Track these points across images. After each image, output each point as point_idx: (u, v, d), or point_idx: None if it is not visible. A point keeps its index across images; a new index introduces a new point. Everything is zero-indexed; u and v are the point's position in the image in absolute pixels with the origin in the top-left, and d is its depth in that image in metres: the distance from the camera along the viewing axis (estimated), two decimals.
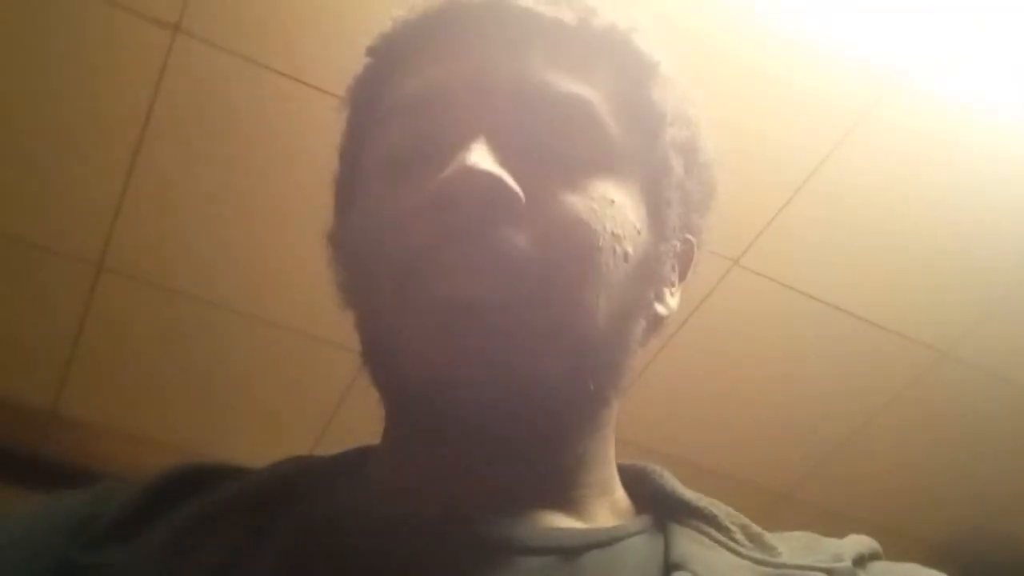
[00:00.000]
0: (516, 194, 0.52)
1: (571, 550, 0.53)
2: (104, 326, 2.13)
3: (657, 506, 0.60)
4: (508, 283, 0.51)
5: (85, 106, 1.75)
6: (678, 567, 0.52)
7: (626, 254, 0.55)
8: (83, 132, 1.79)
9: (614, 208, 0.55)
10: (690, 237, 0.64)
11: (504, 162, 0.52)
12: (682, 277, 0.64)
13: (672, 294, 0.62)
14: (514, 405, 0.52)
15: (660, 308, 0.61)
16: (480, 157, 0.51)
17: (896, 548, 2.34)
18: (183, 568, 0.52)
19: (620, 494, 0.61)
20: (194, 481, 0.59)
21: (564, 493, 0.57)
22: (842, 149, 1.79)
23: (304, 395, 2.25)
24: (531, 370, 0.52)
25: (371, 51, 0.63)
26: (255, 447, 2.34)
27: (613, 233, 0.55)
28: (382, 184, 0.57)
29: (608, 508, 0.59)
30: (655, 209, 0.59)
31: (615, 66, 0.59)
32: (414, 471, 0.56)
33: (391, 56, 0.61)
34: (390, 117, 0.58)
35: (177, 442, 2.35)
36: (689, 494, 0.60)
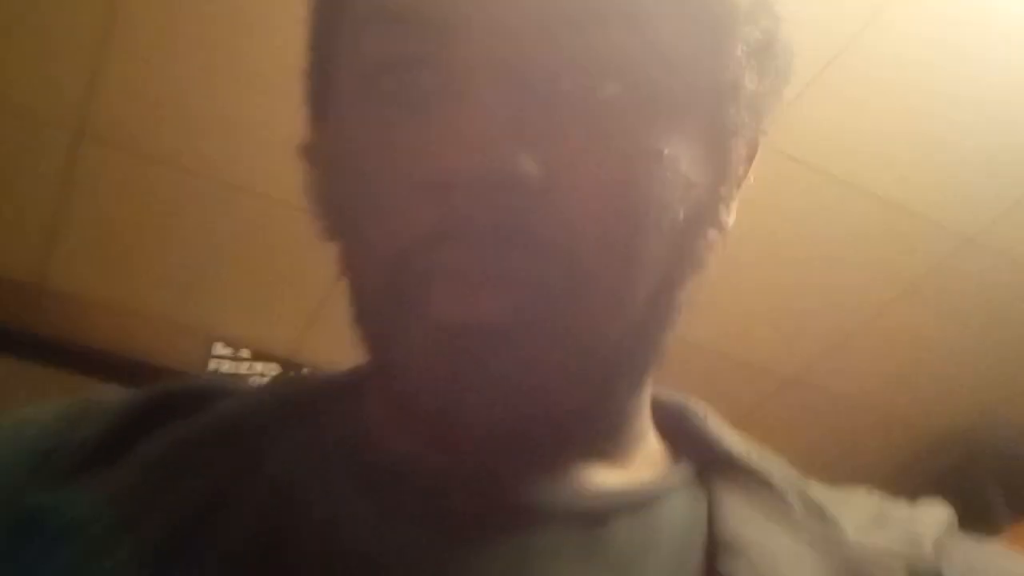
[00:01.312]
0: (532, 180, 0.40)
1: (598, 516, 0.45)
2: (87, 197, 2.06)
3: (698, 452, 0.51)
4: (524, 301, 0.41)
5: None
6: (728, 548, 0.45)
7: (674, 220, 0.44)
8: None
9: (662, 164, 0.43)
10: (758, 140, 0.51)
11: (521, 122, 0.40)
12: (739, 187, 0.51)
13: (730, 209, 0.50)
14: (539, 420, 0.43)
15: (715, 236, 0.49)
16: (490, 129, 0.39)
17: (907, 436, 2.33)
18: (155, 509, 0.45)
19: (654, 437, 0.53)
20: (176, 404, 0.51)
21: (596, 445, 0.48)
22: (869, 29, 1.71)
23: (297, 267, 2.18)
24: (557, 390, 0.43)
25: None
26: (247, 318, 2.31)
27: (660, 201, 0.43)
28: (363, 105, 0.45)
29: (643, 454, 0.51)
30: (718, 143, 0.46)
31: None
32: (418, 429, 0.47)
33: None
34: (368, 23, 0.44)
35: (167, 314, 2.31)
36: (736, 445, 0.51)
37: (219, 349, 2.36)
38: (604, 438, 0.49)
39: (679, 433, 0.53)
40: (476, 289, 0.41)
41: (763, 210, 2.00)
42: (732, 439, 0.52)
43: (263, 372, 2.36)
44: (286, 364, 2.37)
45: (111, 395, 0.54)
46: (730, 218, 0.50)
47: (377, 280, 0.44)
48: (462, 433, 0.44)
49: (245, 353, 2.36)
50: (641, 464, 0.50)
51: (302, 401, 0.52)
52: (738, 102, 0.47)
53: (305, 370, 2.36)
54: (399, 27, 0.43)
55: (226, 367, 2.34)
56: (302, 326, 2.28)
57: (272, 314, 2.25)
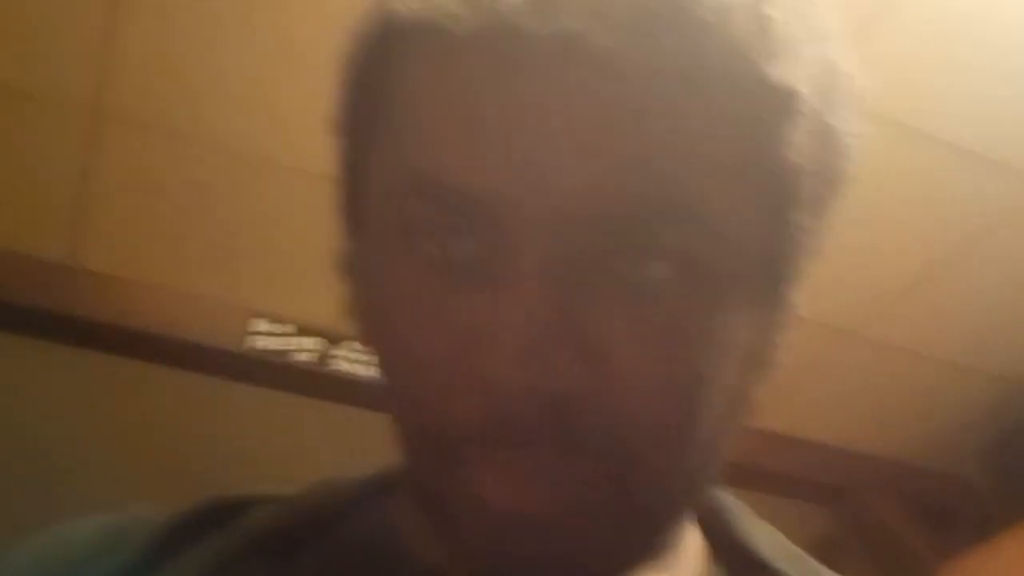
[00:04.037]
0: (578, 389, 0.38)
1: None
2: (111, 175, 2.00)
3: (732, 553, 0.53)
4: (574, 494, 0.40)
5: None
6: None
7: (728, 388, 0.42)
8: None
9: (717, 346, 0.41)
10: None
11: (569, 320, 0.38)
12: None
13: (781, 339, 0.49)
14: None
15: (777, 357, 0.49)
16: (533, 331, 0.37)
17: (972, 386, 2.22)
18: None
19: (696, 535, 0.53)
20: (217, 516, 0.55)
21: (640, 558, 0.47)
22: None
23: (334, 239, 2.12)
24: (606, 561, 0.43)
25: (371, 37, 0.44)
26: (287, 293, 2.26)
27: (714, 382, 0.41)
28: (402, 260, 0.42)
29: (685, 555, 0.51)
30: (774, 300, 0.45)
31: (737, 115, 0.40)
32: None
33: (393, 58, 0.43)
34: (409, 194, 0.41)
35: (203, 291, 2.26)
36: (766, 547, 0.53)
37: (260, 325, 2.31)
38: (649, 552, 0.48)
39: (716, 530, 0.54)
40: (525, 484, 0.40)
41: None
42: (765, 540, 0.53)
43: (304, 347, 2.31)
44: (330, 337, 2.32)
45: (149, 513, 0.57)
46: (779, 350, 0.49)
47: (422, 444, 0.43)
48: None
49: (289, 328, 2.32)
50: (684, 565, 0.50)
51: (334, 507, 0.54)
52: (797, 258, 0.46)
53: (349, 343, 2.32)
54: (443, 204, 0.40)
55: (269, 343, 2.30)
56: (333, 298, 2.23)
57: (312, 287, 2.20)
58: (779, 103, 0.41)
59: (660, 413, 0.40)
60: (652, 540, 0.45)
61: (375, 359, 0.45)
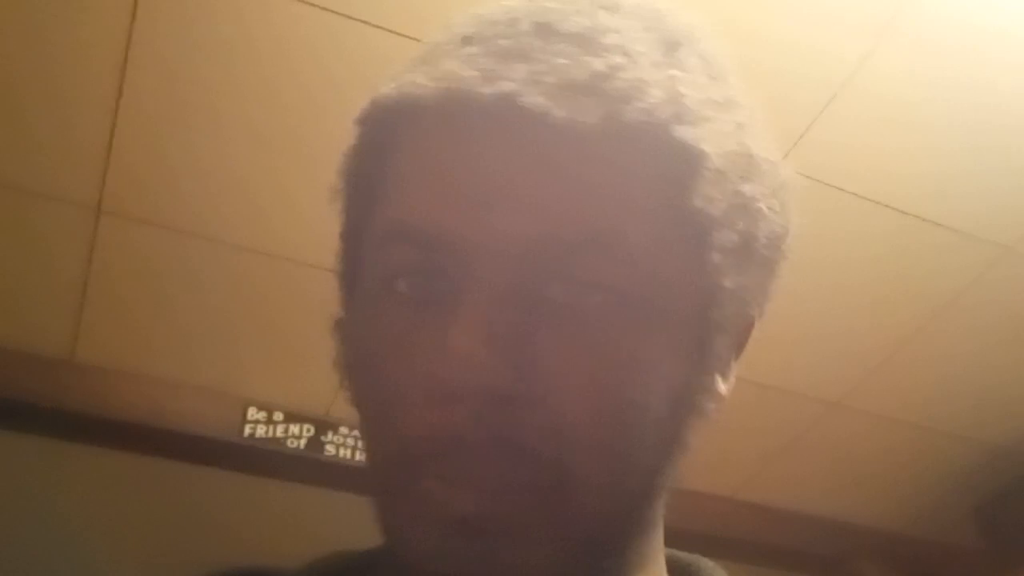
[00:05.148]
0: (519, 395, 0.44)
1: None
2: (110, 270, 2.06)
3: None
4: (515, 503, 0.45)
5: (62, 41, 1.65)
6: None
7: (659, 417, 0.48)
8: (64, 70, 1.69)
9: (645, 369, 0.47)
10: (757, 310, 0.55)
11: (505, 334, 0.44)
12: (740, 353, 0.55)
13: (725, 379, 0.54)
14: None
15: (710, 406, 0.52)
16: (471, 342, 0.43)
17: (952, 451, 2.25)
18: None
19: None
20: None
21: None
22: (885, 44, 1.70)
23: (325, 327, 2.16)
24: (549, 562, 0.46)
25: (362, 123, 0.53)
26: (278, 381, 2.29)
27: (644, 404, 0.47)
28: (380, 304, 0.50)
29: None
30: (701, 340, 0.50)
31: (651, 168, 0.47)
32: None
33: (380, 138, 0.52)
34: (387, 237, 0.49)
35: (198, 382, 2.29)
36: None
37: (252, 414, 2.34)
38: None
39: None
40: (470, 491, 0.45)
41: (794, 236, 1.96)
42: None
43: (297, 434, 2.34)
44: (320, 424, 2.35)
45: None
46: (725, 386, 0.53)
47: (384, 465, 0.48)
48: None
49: (279, 416, 2.35)
50: None
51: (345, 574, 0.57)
52: (719, 302, 0.50)
53: (342, 428, 2.34)
54: (414, 245, 0.48)
55: (260, 431, 2.33)
56: (334, 385, 2.25)
57: (303, 376, 2.23)
58: (687, 160, 0.47)
59: (593, 428, 0.45)
60: (593, 561, 0.48)
61: (353, 397, 0.51)
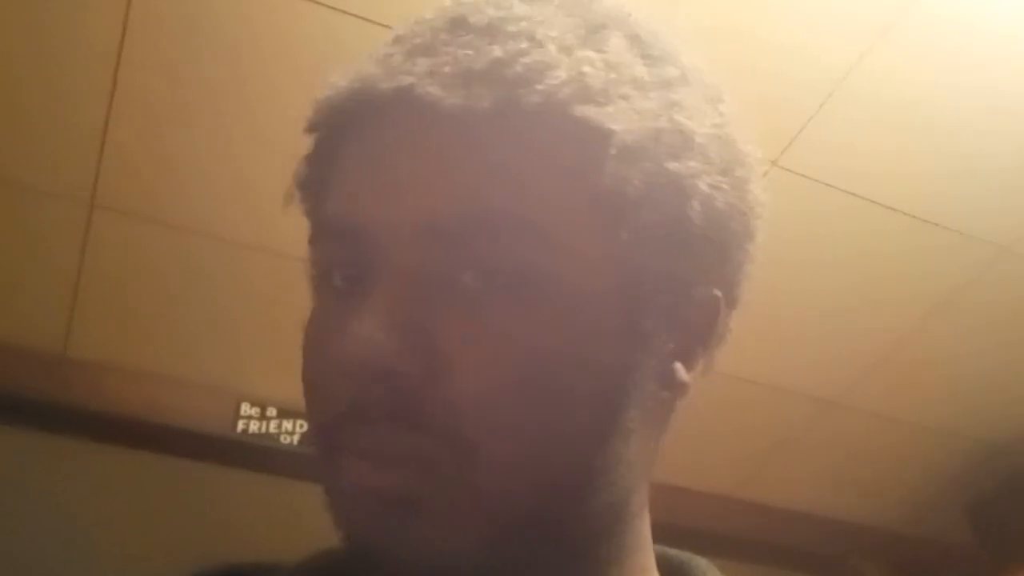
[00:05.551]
0: (411, 372, 0.46)
1: None
2: (104, 265, 2.06)
3: None
4: (417, 475, 0.46)
5: (56, 33, 1.64)
6: None
7: (581, 398, 0.48)
8: (58, 63, 1.68)
9: (551, 350, 0.47)
10: (715, 293, 0.53)
11: (407, 315, 0.46)
12: (705, 339, 0.53)
13: (690, 366, 0.53)
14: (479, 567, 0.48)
15: (663, 394, 0.52)
16: (370, 324, 0.45)
17: (947, 448, 2.26)
18: None
19: None
20: None
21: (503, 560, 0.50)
22: (881, 44, 1.70)
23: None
24: (471, 552, 0.47)
25: (309, 130, 0.55)
26: (271, 376, 2.29)
27: (553, 382, 0.47)
28: (322, 298, 0.53)
29: None
30: (627, 322, 0.49)
31: (553, 149, 0.48)
32: None
33: (321, 144, 0.55)
34: (323, 234, 0.53)
35: (192, 377, 2.29)
36: None
37: (246, 409, 2.34)
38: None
39: None
40: (376, 464, 0.46)
41: (791, 235, 1.96)
42: None
43: (290, 429, 2.34)
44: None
45: None
46: (688, 375, 0.52)
47: (314, 442, 0.51)
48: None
49: (272, 412, 2.34)
50: None
51: (332, 574, 0.57)
52: (639, 281, 0.49)
53: None
54: (338, 239, 0.51)
55: (254, 426, 2.32)
56: None
57: (296, 372, 2.23)
58: (592, 139, 0.47)
59: (494, 404, 0.46)
60: (531, 547, 0.49)
61: (303, 392, 0.53)
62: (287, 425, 2.34)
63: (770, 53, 1.70)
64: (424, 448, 0.46)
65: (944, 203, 1.99)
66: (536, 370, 0.46)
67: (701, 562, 0.59)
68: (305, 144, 0.56)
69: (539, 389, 0.46)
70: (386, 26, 1.62)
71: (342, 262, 0.50)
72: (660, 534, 0.57)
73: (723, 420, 2.14)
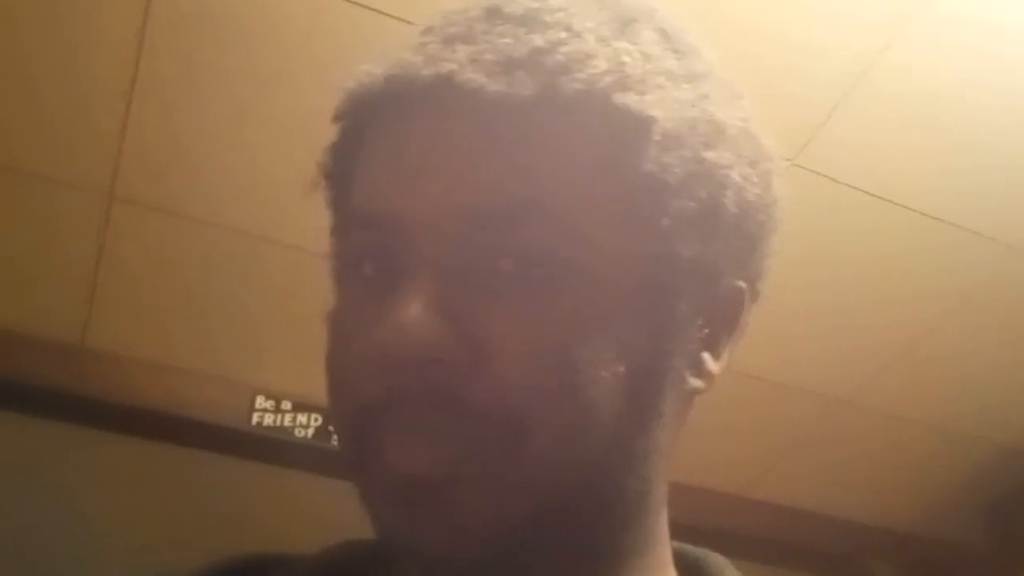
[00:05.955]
0: (455, 357, 0.46)
1: None
2: (122, 257, 2.06)
3: None
4: (462, 456, 0.46)
5: (76, 24, 1.65)
6: None
7: (617, 381, 0.48)
8: (77, 55, 1.69)
9: (589, 334, 0.47)
10: (740, 284, 0.54)
11: (447, 303, 0.46)
12: (731, 331, 0.54)
13: (716, 356, 0.53)
14: (506, 559, 0.48)
15: (694, 382, 0.52)
16: (412, 312, 0.46)
17: (962, 450, 2.25)
18: None
19: None
20: (244, 573, 0.60)
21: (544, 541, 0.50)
22: (899, 41, 1.69)
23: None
24: (509, 532, 0.47)
25: (335, 119, 0.55)
26: (287, 370, 2.30)
27: (591, 366, 0.47)
28: (350, 289, 0.53)
29: None
30: (660, 308, 0.50)
31: (594, 136, 0.48)
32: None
33: (348, 133, 0.55)
34: (352, 224, 0.53)
35: (208, 369, 2.30)
36: None
37: (260, 402, 2.35)
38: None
39: None
40: (418, 447, 0.46)
41: (807, 233, 1.96)
42: None
43: (305, 423, 2.35)
44: (328, 414, 2.35)
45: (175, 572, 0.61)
46: (715, 366, 0.53)
47: (345, 434, 0.50)
48: (431, 567, 0.49)
49: (287, 405, 2.35)
50: None
51: (351, 567, 0.58)
52: (674, 269, 0.49)
53: None
54: (371, 228, 0.50)
55: (268, 419, 2.33)
56: None
57: (312, 365, 2.24)
58: (633, 126, 0.48)
59: (537, 387, 0.46)
60: (564, 532, 0.49)
61: (327, 383, 0.52)
62: (302, 418, 2.35)
63: (788, 50, 1.69)
64: (470, 434, 0.46)
65: (961, 202, 1.98)
66: (573, 353, 0.46)
67: (719, 559, 0.60)
68: (327, 136, 0.56)
69: (580, 373, 0.47)
70: (403, 20, 1.62)
71: (373, 251, 0.50)
72: (672, 533, 0.57)
73: (736, 418, 2.14)
